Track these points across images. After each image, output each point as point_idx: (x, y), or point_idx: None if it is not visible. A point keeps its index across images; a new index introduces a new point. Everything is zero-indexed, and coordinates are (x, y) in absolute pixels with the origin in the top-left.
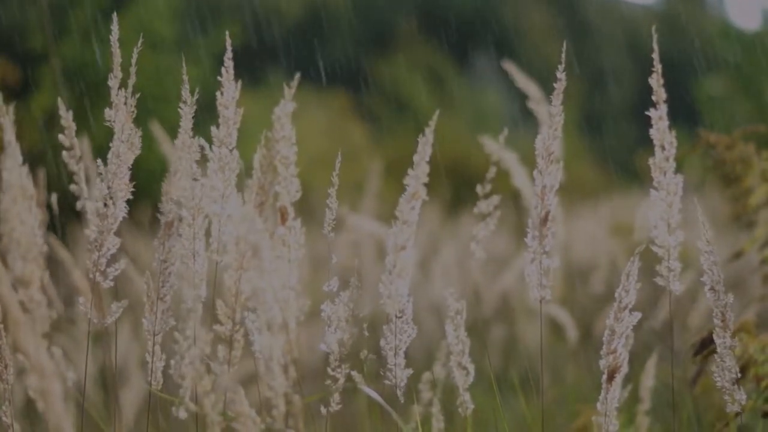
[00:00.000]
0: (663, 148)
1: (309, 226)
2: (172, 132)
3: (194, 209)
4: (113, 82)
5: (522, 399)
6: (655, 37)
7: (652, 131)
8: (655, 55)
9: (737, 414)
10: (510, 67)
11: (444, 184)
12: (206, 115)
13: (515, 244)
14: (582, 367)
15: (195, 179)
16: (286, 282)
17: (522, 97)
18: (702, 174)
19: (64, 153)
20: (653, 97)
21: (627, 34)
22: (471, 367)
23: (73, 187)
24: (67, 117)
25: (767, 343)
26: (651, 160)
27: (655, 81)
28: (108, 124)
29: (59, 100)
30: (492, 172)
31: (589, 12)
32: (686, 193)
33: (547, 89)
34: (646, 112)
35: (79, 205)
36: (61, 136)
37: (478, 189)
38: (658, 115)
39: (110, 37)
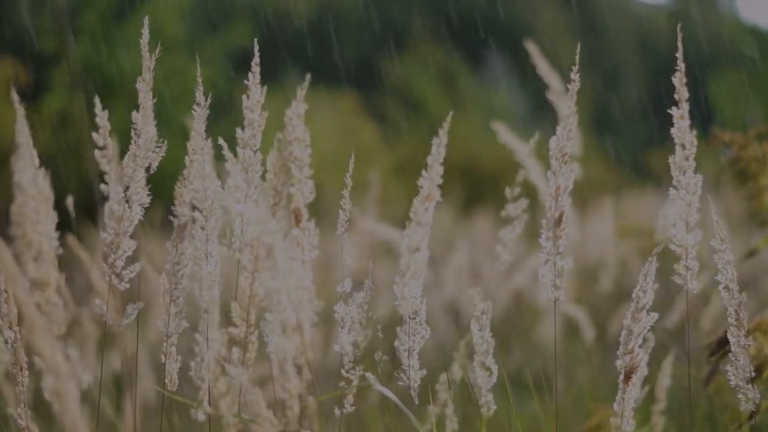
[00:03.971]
0: (683, 147)
1: (320, 228)
2: (180, 131)
3: (207, 210)
4: (142, 86)
5: (536, 399)
6: (680, 36)
7: (673, 130)
8: (679, 54)
9: (752, 414)
10: (532, 49)
11: (456, 184)
12: (215, 115)
13: (528, 243)
14: (596, 367)
15: (208, 180)
16: (301, 283)
17: (534, 96)
18: (716, 172)
19: (96, 152)
20: (675, 96)
21: (638, 33)
22: (495, 368)
23: (103, 186)
24: (102, 116)
25: None
26: (671, 159)
27: (678, 79)
28: (135, 127)
29: (96, 99)
30: (521, 175)
31: (601, 11)
32: (701, 191)
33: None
34: (669, 111)
35: (108, 205)
36: (95, 135)
37: (507, 192)
38: (680, 114)
39: (135, 41)
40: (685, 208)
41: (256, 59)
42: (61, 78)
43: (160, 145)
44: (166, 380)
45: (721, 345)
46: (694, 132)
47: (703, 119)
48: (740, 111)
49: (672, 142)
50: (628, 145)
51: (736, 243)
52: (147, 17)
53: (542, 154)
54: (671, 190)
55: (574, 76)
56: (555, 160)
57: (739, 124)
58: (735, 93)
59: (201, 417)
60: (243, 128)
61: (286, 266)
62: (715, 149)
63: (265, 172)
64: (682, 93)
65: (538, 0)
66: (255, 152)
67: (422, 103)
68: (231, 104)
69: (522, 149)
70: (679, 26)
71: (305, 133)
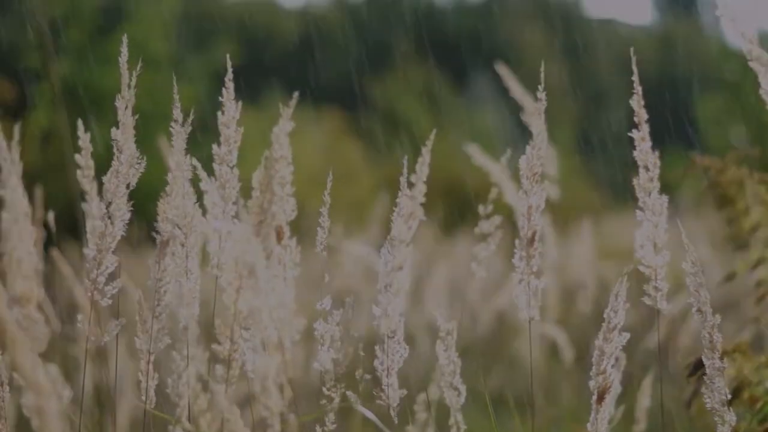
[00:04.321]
0: (647, 168)
1: (304, 246)
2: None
3: (187, 227)
4: (121, 103)
5: (517, 419)
6: (633, 59)
7: (635, 152)
8: (635, 77)
9: None
10: (504, 71)
11: (439, 203)
12: (201, 134)
13: (509, 262)
14: (577, 387)
15: (188, 198)
16: (282, 301)
17: (518, 115)
18: (699, 195)
19: (78, 172)
20: (635, 118)
21: (623, 55)
22: (462, 388)
23: (84, 205)
24: (84, 138)
25: (761, 364)
26: (635, 181)
27: (636, 102)
28: (114, 143)
29: (79, 121)
30: (494, 193)
31: (586, 32)
32: (683, 213)
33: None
34: (629, 134)
35: (89, 224)
36: (77, 156)
37: (480, 209)
38: (641, 136)
39: (118, 58)
40: (652, 230)
41: (230, 75)
42: (46, 94)
43: (139, 161)
44: (143, 398)
45: (699, 366)
46: (657, 153)
47: (689, 141)
48: (726, 133)
49: (636, 165)
50: (612, 166)
51: (721, 263)
52: (126, 35)
53: (518, 174)
54: (637, 212)
55: (541, 95)
56: (526, 179)
57: (725, 146)
58: (721, 115)
59: None
60: (219, 144)
61: (267, 285)
62: (699, 172)
63: (247, 189)
64: (641, 115)
65: (522, 21)
66: (231, 168)
67: (406, 122)
68: (215, 122)
69: (496, 169)
70: (632, 50)
71: (289, 151)
